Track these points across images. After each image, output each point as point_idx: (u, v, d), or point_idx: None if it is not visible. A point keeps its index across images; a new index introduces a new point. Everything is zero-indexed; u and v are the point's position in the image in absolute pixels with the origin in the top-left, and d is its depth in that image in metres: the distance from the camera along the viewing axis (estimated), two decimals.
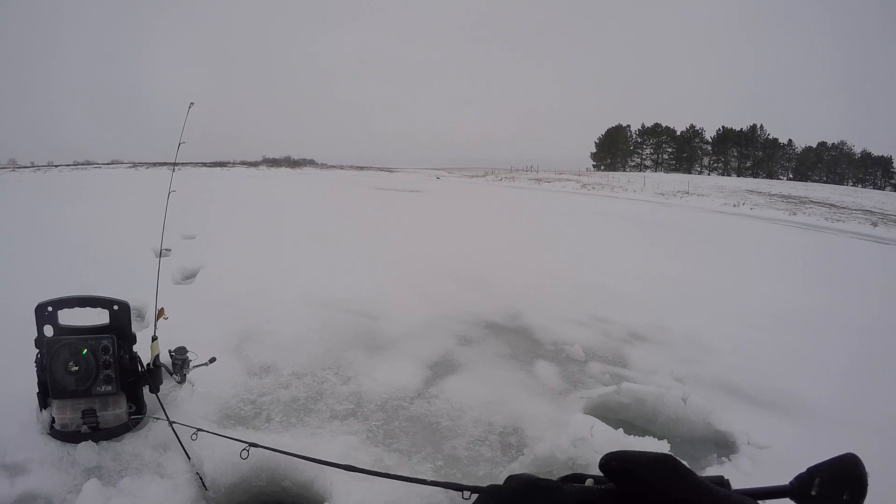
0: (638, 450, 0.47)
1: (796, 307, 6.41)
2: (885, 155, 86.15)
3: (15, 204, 12.81)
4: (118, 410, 2.63)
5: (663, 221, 16.78)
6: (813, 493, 0.48)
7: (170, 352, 3.09)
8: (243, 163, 59.08)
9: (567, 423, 2.95)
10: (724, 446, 3.21)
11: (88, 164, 51.67)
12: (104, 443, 2.58)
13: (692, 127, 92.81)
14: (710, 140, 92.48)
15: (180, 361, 3.09)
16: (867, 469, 0.48)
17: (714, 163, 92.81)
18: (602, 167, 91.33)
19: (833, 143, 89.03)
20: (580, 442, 2.77)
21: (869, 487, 0.46)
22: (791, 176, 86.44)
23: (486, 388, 3.64)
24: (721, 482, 0.52)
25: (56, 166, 44.23)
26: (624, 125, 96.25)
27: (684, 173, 77.67)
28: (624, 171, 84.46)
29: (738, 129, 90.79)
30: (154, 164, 43.85)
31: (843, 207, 30.92)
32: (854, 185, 79.57)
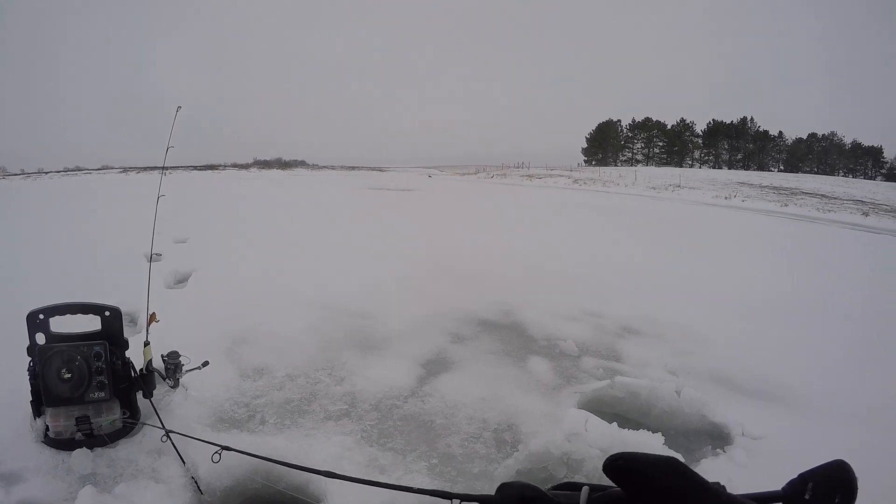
0: (642, 451, 0.48)
1: (787, 297, 6.45)
2: (875, 145, 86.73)
3: (5, 212, 12.72)
4: (112, 417, 2.63)
5: (655, 215, 16.83)
6: (806, 497, 0.48)
7: (162, 356, 3.08)
8: (234, 165, 58.77)
9: (561, 419, 2.96)
10: (719, 438, 3.24)
11: (79, 170, 51.31)
12: (99, 449, 2.57)
13: (683, 120, 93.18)
14: (700, 133, 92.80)
15: (173, 366, 3.09)
16: (859, 462, 0.49)
17: (705, 156, 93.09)
18: (593, 162, 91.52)
19: (823, 135, 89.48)
20: (574, 437, 2.79)
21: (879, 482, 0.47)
22: (782, 167, 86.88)
23: (479, 386, 3.65)
24: (718, 488, 0.52)
25: (46, 173, 43.86)
26: (615, 120, 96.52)
27: (675, 167, 77.90)
28: (615, 165, 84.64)
29: (728, 121, 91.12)
30: (145, 169, 43.59)
31: (835, 198, 31.04)
32: (845, 175, 79.96)
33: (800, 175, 61.43)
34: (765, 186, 37.87)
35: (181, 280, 6.24)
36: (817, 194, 33.02)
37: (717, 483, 0.50)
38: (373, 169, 64.04)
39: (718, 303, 6.02)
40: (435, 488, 1.03)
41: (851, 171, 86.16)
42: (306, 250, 7.94)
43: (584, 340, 4.63)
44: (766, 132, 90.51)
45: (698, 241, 11.30)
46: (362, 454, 2.80)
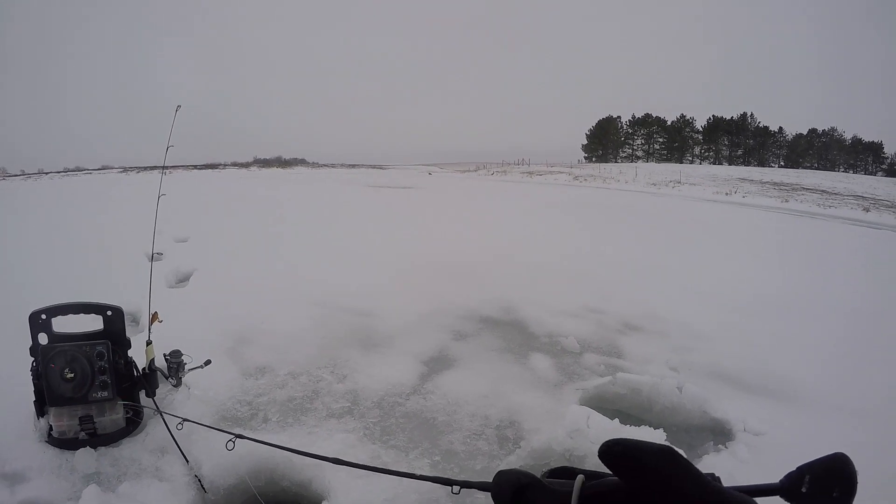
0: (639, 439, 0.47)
1: (788, 293, 6.45)
2: (875, 140, 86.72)
3: (6, 212, 12.72)
4: (115, 416, 2.64)
5: (655, 211, 16.82)
6: (803, 489, 0.48)
7: (165, 355, 3.09)
8: (234, 164, 58.77)
9: (563, 415, 2.97)
10: (721, 434, 3.24)
11: (79, 170, 51.30)
12: (102, 448, 2.59)
13: (683, 117, 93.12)
14: (700, 129, 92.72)
15: (175, 365, 3.10)
16: (861, 457, 0.49)
17: (705, 152, 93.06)
18: (594, 158, 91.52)
19: (824, 130, 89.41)
20: (576, 433, 2.80)
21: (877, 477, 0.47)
22: (782, 163, 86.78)
23: (481, 383, 3.66)
24: (713, 479, 0.52)
25: (47, 173, 43.87)
26: (614, 116, 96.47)
27: (676, 163, 77.89)
28: (615, 161, 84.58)
29: (728, 117, 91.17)
30: (145, 169, 43.59)
31: (836, 193, 31.02)
32: (845, 170, 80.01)
33: (800, 171, 61.42)
34: (765, 182, 37.86)
35: (182, 279, 6.24)
36: (818, 190, 33.00)
37: (712, 475, 0.50)
38: (373, 167, 63.97)
39: (719, 298, 6.03)
40: (437, 475, 1.04)
41: (852, 167, 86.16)
42: (307, 248, 7.93)
43: (586, 337, 4.63)
44: (766, 128, 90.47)
45: (699, 238, 11.29)
46: (365, 451, 2.80)
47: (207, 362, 3.26)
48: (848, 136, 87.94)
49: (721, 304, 5.79)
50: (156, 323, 3.08)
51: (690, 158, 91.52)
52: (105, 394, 2.55)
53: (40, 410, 2.61)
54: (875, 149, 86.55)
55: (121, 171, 43.08)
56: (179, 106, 3.24)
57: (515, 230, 10.97)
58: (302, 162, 70.21)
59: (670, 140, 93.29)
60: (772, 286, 6.74)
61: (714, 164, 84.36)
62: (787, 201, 25.73)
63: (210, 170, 46.00)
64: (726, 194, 28.48)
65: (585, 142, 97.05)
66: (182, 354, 3.13)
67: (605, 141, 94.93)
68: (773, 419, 3.27)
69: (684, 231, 12.22)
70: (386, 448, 2.88)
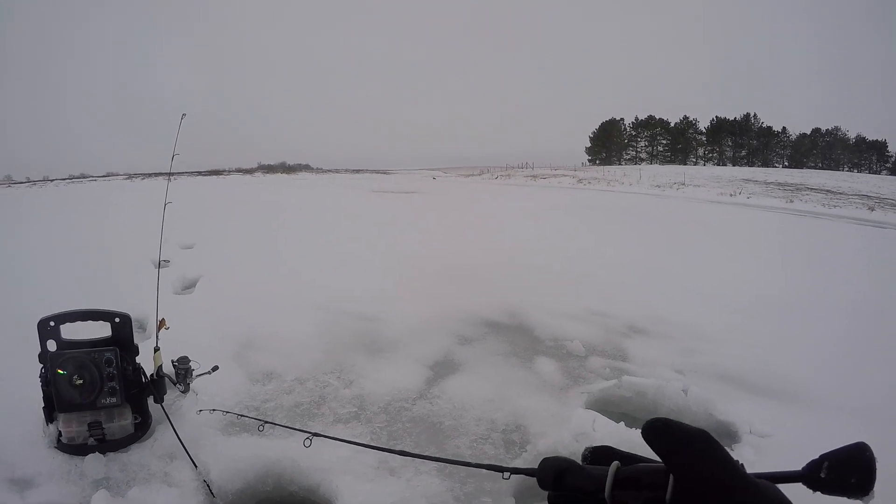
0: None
1: (792, 293, 6.43)
2: (879, 139, 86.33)
3: (14, 219, 12.79)
4: (124, 422, 2.66)
5: (659, 213, 16.80)
6: (822, 475, 0.50)
7: (172, 362, 3.11)
8: (238, 170, 58.95)
9: (569, 419, 2.98)
10: (727, 436, 3.24)
11: (84, 177, 51.57)
12: (111, 454, 2.61)
13: (686, 118, 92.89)
14: (704, 130, 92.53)
15: (183, 371, 3.12)
16: (878, 455, 0.49)
17: (709, 153, 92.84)
18: (597, 161, 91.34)
19: (827, 129, 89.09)
20: (582, 436, 2.81)
21: (879, 475, 0.48)
22: (786, 163, 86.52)
23: (487, 387, 3.67)
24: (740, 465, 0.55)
25: (52, 180, 44.10)
26: (618, 118, 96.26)
27: (679, 164, 77.77)
28: (619, 164, 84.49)
29: (731, 118, 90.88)
30: (149, 175, 43.76)
31: (840, 193, 30.92)
32: (850, 170, 79.70)
33: (804, 171, 61.18)
34: (770, 183, 37.76)
35: (188, 286, 6.27)
36: (822, 189, 32.90)
37: (738, 461, 0.52)
38: (377, 172, 64.05)
39: (723, 300, 6.02)
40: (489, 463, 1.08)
41: (856, 166, 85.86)
42: (311, 254, 7.97)
43: (591, 340, 4.64)
44: (769, 128, 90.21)
45: (703, 239, 11.27)
46: (372, 456, 2.81)
47: (215, 368, 3.28)
48: (851, 134, 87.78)
49: (726, 306, 5.77)
50: (163, 329, 3.10)
51: (694, 160, 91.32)
52: (113, 400, 2.57)
53: (49, 416, 2.64)
54: (879, 147, 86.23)
55: (126, 178, 43.27)
56: (184, 114, 3.26)
57: (519, 233, 10.97)
58: (306, 167, 70.43)
59: (674, 142, 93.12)
60: (774, 286, 6.73)
61: (718, 165, 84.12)
62: (791, 201, 25.65)
63: (214, 176, 46.16)
64: (731, 195, 28.40)
65: (589, 144, 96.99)
66: (190, 361, 3.15)
67: (609, 143, 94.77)
68: (778, 421, 3.27)
69: (688, 232, 12.20)
70: (393, 453, 2.88)
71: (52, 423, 2.63)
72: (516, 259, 7.96)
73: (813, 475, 0.50)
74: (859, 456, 0.49)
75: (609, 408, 3.57)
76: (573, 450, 2.79)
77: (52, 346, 2.60)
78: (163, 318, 3.12)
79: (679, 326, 5.07)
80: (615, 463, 0.54)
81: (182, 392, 3.18)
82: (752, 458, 2.88)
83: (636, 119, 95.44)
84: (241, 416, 2.48)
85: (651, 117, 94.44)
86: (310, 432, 1.87)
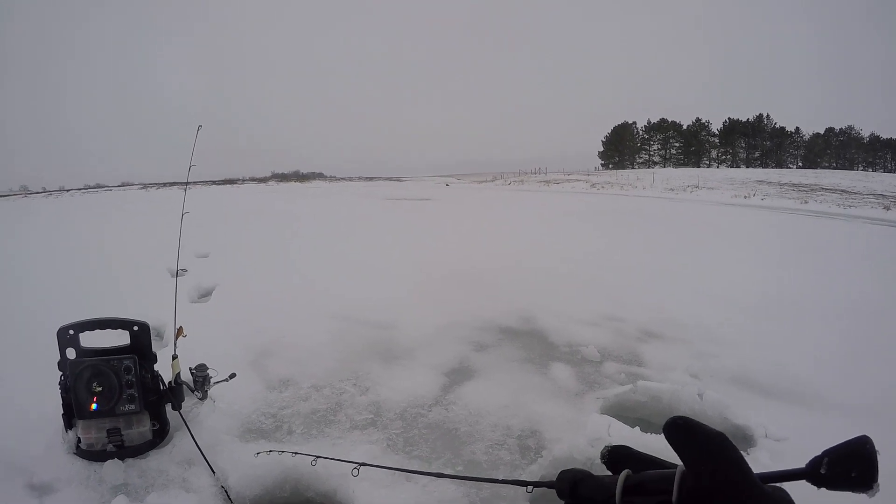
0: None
1: (807, 295, 6.35)
2: (894, 137, 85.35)
3: (32, 229, 12.97)
4: (142, 428, 2.69)
5: (671, 216, 16.71)
6: (822, 471, 0.50)
7: (190, 369, 3.15)
8: (252, 179, 59.33)
9: (584, 424, 2.97)
10: (742, 440, 3.21)
11: (100, 187, 52.14)
12: (130, 460, 2.64)
13: (698, 120, 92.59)
14: (716, 132, 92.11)
15: (201, 378, 3.15)
16: (883, 459, 0.49)
17: (722, 155, 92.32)
18: (610, 165, 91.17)
19: (841, 129, 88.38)
20: (598, 442, 2.79)
21: (881, 470, 0.48)
22: (800, 164, 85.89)
23: (502, 393, 3.66)
24: None
25: (68, 191, 44.66)
26: (630, 122, 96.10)
27: (693, 167, 77.34)
28: (632, 168, 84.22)
29: (744, 119, 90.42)
30: (164, 185, 44.21)
31: (855, 193, 30.56)
32: (864, 169, 79.01)
33: (818, 171, 60.65)
34: (784, 184, 37.46)
35: (205, 294, 6.32)
36: (837, 189, 32.56)
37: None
38: (391, 179, 64.19)
39: (737, 303, 5.96)
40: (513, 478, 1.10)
41: (871, 165, 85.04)
42: (325, 262, 8.01)
43: (606, 345, 4.62)
44: (782, 129, 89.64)
45: (717, 242, 11.19)
46: (388, 462, 2.82)
47: (232, 375, 3.31)
48: (865, 133, 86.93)
49: (740, 309, 5.71)
50: (181, 337, 3.14)
51: (707, 162, 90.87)
52: (132, 407, 2.60)
53: (68, 423, 2.67)
54: (893, 146, 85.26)
55: (141, 188, 43.72)
56: (200, 126, 3.30)
57: (533, 239, 10.96)
58: (319, 176, 70.61)
59: (687, 144, 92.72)
60: (792, 289, 6.66)
61: (731, 166, 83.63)
62: (806, 202, 25.39)
63: (229, 185, 46.52)
64: (745, 197, 28.15)
65: (602, 149, 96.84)
66: (207, 368, 3.18)
67: (622, 147, 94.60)
68: (793, 424, 3.23)
69: (702, 235, 12.12)
70: (409, 458, 2.89)
71: (71, 429, 2.67)
72: (529, 265, 7.94)
73: (814, 472, 0.50)
74: (860, 449, 0.49)
75: (624, 413, 3.55)
76: (589, 455, 2.78)
77: (71, 353, 2.64)
78: (181, 327, 3.16)
79: (691, 329, 5.04)
80: (626, 471, 0.57)
81: (200, 399, 3.21)
82: (769, 462, 2.85)
83: (648, 122, 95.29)
84: (297, 453, 2.49)
85: (663, 120, 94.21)
86: (357, 462, 1.88)
